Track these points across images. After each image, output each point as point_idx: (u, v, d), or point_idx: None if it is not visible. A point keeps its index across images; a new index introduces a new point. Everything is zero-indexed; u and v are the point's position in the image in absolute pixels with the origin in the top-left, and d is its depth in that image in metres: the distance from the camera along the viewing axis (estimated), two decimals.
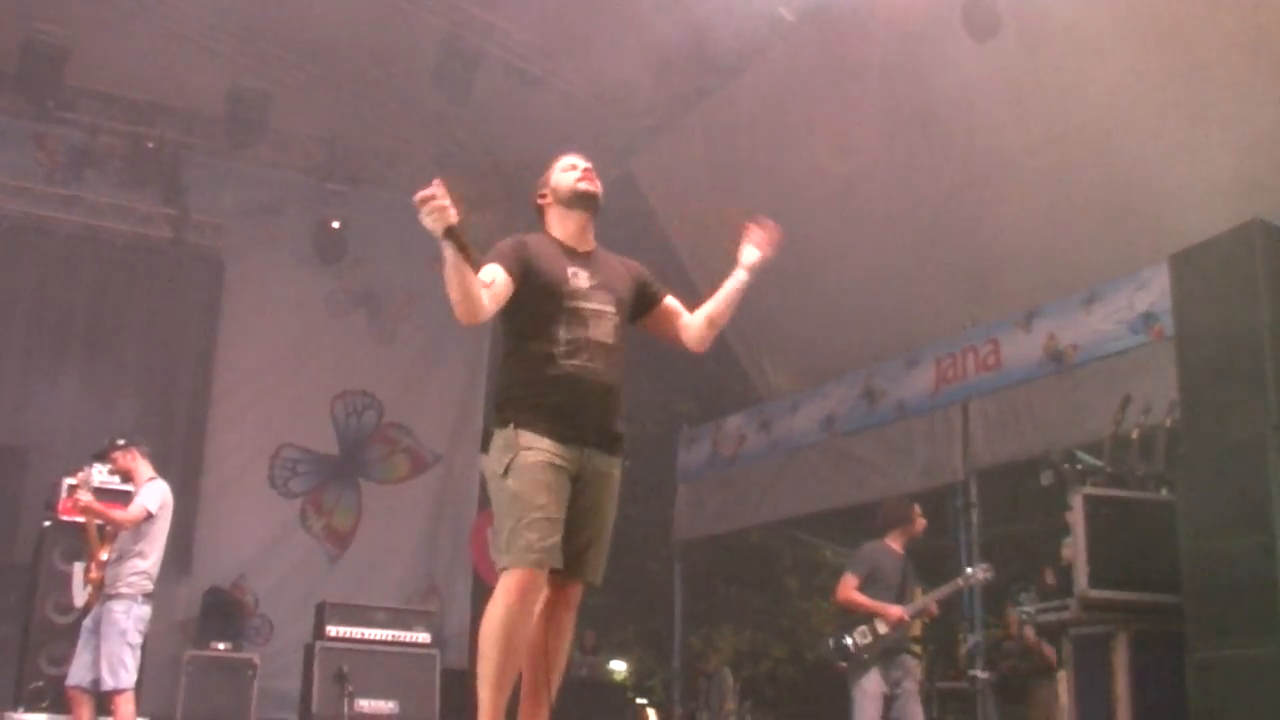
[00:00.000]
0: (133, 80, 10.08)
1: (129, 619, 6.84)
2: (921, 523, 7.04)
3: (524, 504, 3.89)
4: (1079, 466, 5.64)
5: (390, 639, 8.41)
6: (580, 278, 4.13)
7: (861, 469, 9.48)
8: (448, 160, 10.91)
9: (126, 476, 7.24)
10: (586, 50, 9.00)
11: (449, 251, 3.74)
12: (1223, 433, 5.11)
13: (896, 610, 6.68)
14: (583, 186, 4.19)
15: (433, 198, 3.66)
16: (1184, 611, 5.17)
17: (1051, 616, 5.78)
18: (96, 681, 6.76)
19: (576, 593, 4.19)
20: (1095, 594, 5.33)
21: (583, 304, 4.09)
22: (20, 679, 7.55)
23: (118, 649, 6.79)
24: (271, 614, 10.07)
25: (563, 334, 4.03)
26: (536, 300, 4.04)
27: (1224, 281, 5.24)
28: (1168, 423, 5.70)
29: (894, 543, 6.99)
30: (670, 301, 4.36)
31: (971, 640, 7.96)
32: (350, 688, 7.91)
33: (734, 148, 9.38)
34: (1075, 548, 5.40)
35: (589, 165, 4.29)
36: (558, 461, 3.94)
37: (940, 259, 8.83)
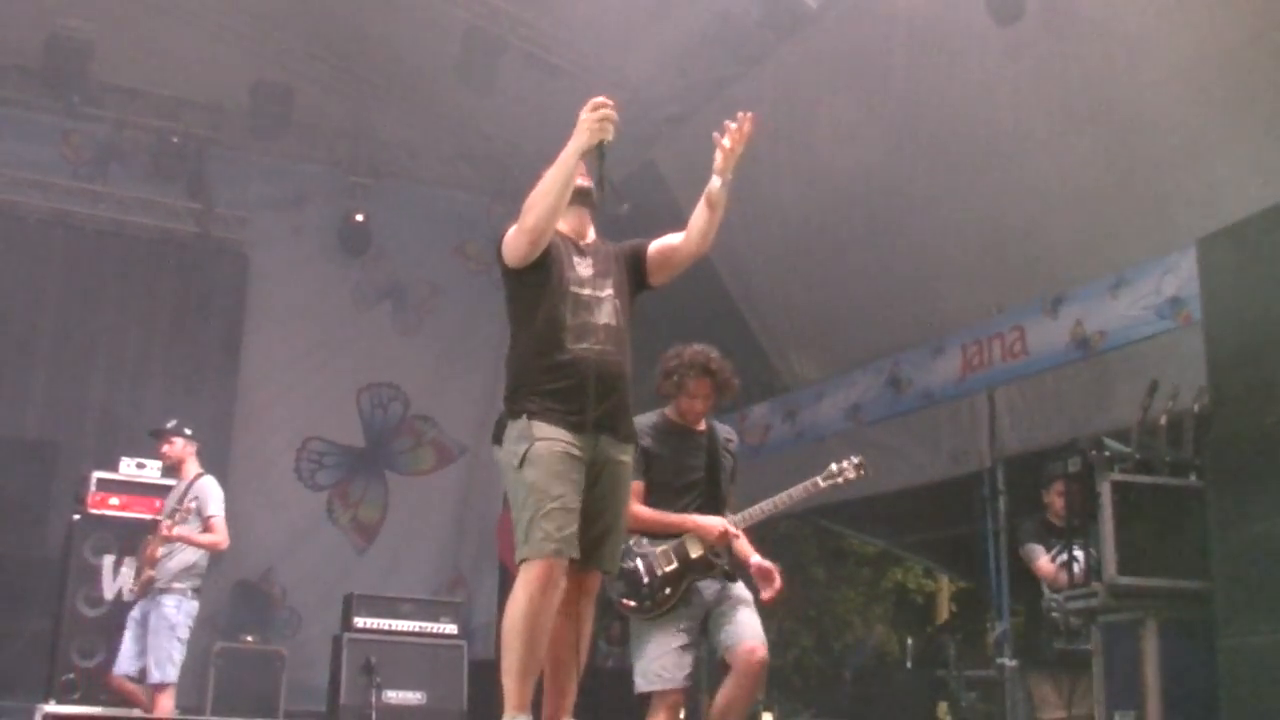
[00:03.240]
0: (157, 75, 10.13)
1: (180, 614, 6.95)
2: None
3: (541, 494, 3.91)
4: (1106, 453, 5.58)
5: (418, 630, 8.42)
6: (583, 266, 4.17)
7: (887, 457, 9.40)
8: (470, 152, 10.93)
9: (176, 465, 7.31)
10: (608, 40, 8.99)
11: (575, 161, 3.97)
12: (1251, 418, 5.06)
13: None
14: (577, 182, 4.18)
15: (606, 104, 4.02)
16: (1213, 598, 5.13)
17: (1080, 604, 5.74)
18: (143, 672, 6.83)
19: (595, 581, 4.21)
20: (1124, 581, 5.28)
21: (586, 290, 4.13)
22: (52, 671, 7.61)
23: (167, 643, 6.89)
24: (299, 606, 10.13)
25: (569, 319, 4.05)
26: (545, 288, 4.06)
27: (1252, 265, 5.19)
28: (1196, 408, 5.64)
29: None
30: (656, 243, 4.32)
31: (999, 628, 7.92)
32: (378, 679, 7.92)
33: (756, 136, 9.34)
34: (1103, 534, 5.36)
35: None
36: (572, 451, 3.96)
37: (965, 246, 8.78)
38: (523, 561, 3.93)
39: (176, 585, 7.02)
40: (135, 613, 7.08)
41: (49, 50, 9.45)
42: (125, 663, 6.98)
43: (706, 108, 9.74)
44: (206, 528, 7.10)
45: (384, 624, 8.35)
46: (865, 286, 9.65)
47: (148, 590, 7.02)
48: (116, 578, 7.90)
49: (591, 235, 4.34)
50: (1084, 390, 7.81)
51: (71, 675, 7.53)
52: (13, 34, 9.36)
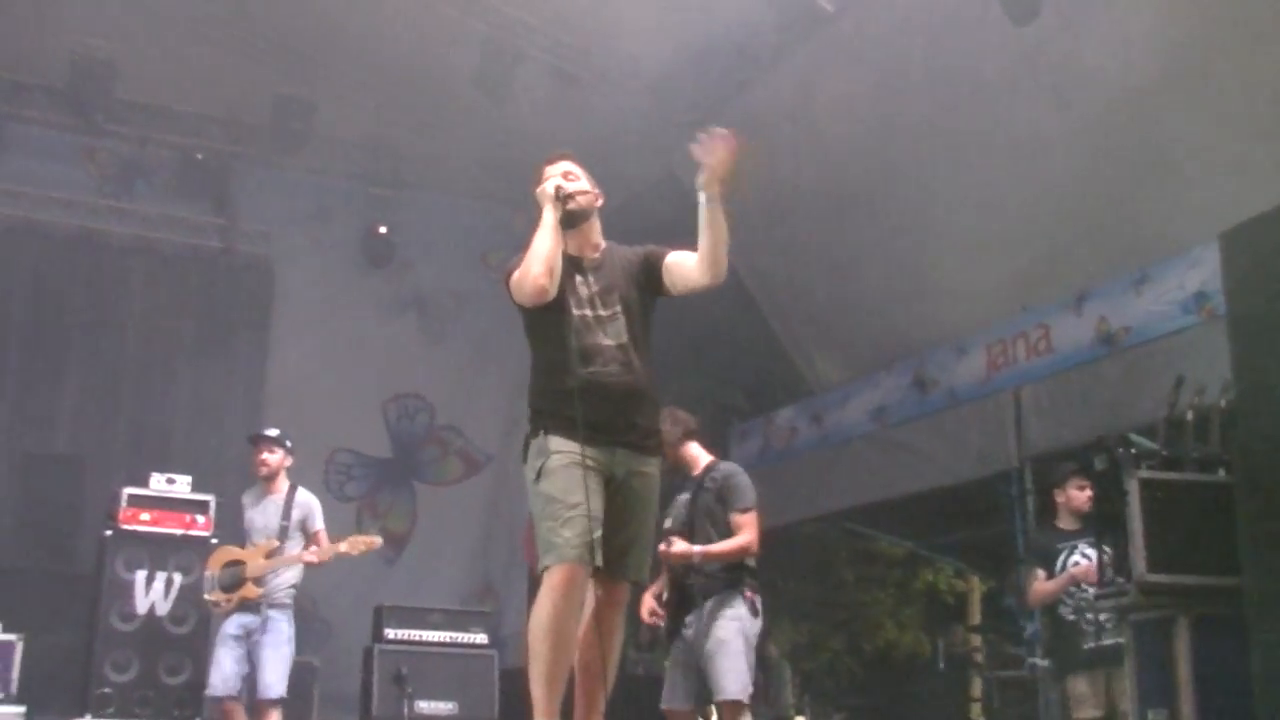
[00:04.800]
0: (180, 92, 10.19)
1: (291, 628, 6.96)
2: None
3: (558, 504, 3.95)
4: (1133, 450, 5.56)
5: (448, 640, 8.44)
6: (586, 286, 4.18)
7: (914, 459, 9.41)
8: (491, 161, 10.95)
9: (272, 475, 7.25)
10: (625, 48, 9.01)
11: (553, 226, 4.14)
12: (1278, 411, 5.03)
13: None
14: (571, 205, 4.23)
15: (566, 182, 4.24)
16: (1245, 594, 5.10)
17: (1110, 602, 5.71)
18: (256, 688, 6.81)
19: (623, 592, 4.22)
20: (1154, 578, 5.25)
21: (589, 311, 4.14)
22: (87, 686, 7.66)
23: (285, 658, 6.89)
24: (330, 617, 10.16)
25: (574, 342, 4.07)
26: (548, 314, 4.10)
27: (1275, 258, 5.15)
28: (1222, 403, 5.61)
29: None
30: (673, 256, 4.28)
31: (1030, 628, 7.89)
32: (410, 689, 7.95)
33: (774, 140, 9.34)
34: (1132, 532, 5.34)
35: (566, 172, 4.31)
36: (588, 462, 3.99)
37: (988, 244, 8.76)
38: (545, 570, 3.96)
39: (285, 600, 7.06)
40: (232, 629, 6.97)
41: (73, 69, 9.54)
42: (231, 682, 6.87)
43: (725, 112, 9.75)
44: (314, 542, 7.16)
45: (414, 634, 8.37)
46: (888, 287, 9.65)
47: (241, 606, 6.98)
48: (149, 593, 7.95)
49: (600, 247, 4.35)
50: (1110, 387, 7.79)
51: (108, 690, 7.57)
52: (37, 54, 9.45)
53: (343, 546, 7.08)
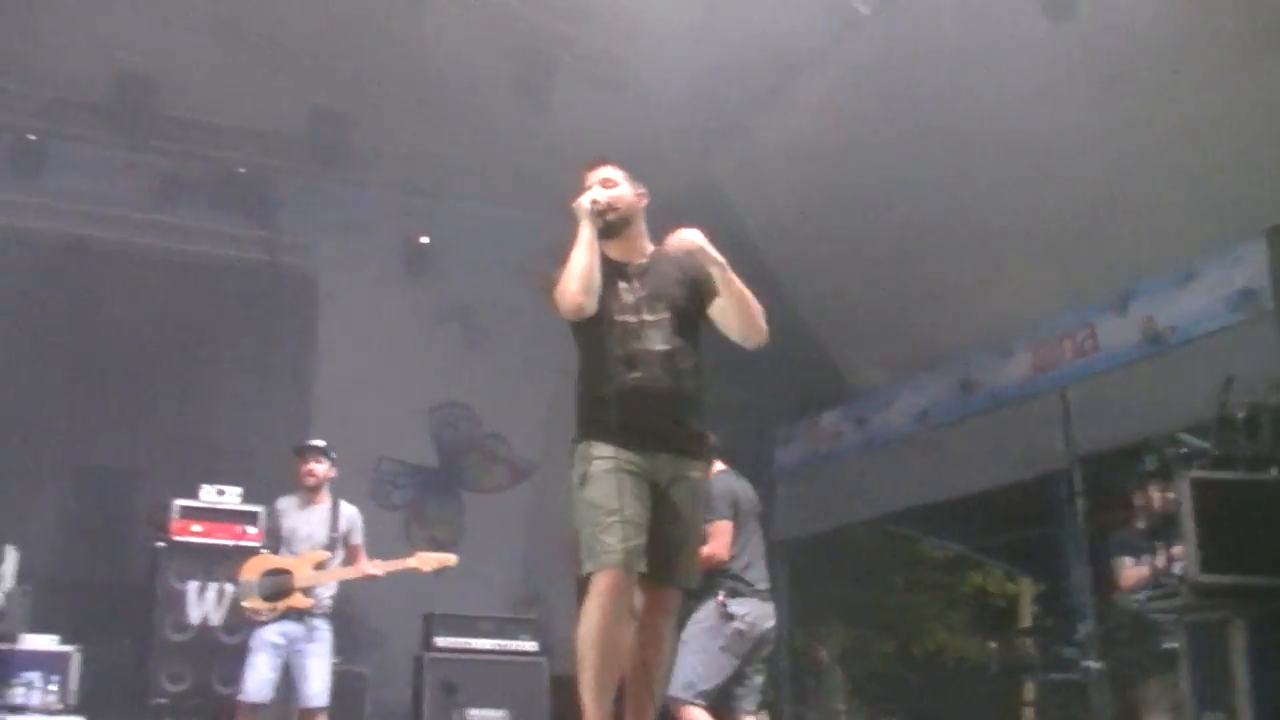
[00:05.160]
0: (219, 106, 10.27)
1: (332, 637, 7.01)
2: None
3: (601, 510, 3.97)
4: (1184, 450, 5.51)
5: (497, 648, 8.48)
6: (630, 292, 4.19)
7: (959, 462, 9.36)
8: (528, 170, 10.98)
9: (317, 487, 7.30)
10: (663, 54, 9.01)
11: (590, 241, 4.15)
12: None
13: None
14: (610, 217, 4.27)
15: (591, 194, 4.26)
16: None
17: (1163, 604, 5.66)
18: (301, 696, 6.89)
19: (671, 599, 4.23)
20: (1207, 579, 5.21)
21: (632, 318, 4.15)
22: (143, 696, 7.75)
23: (329, 667, 6.98)
24: (380, 626, 10.20)
25: (617, 350, 4.08)
26: (591, 320, 4.11)
27: None
28: (1273, 400, 5.55)
29: None
30: (720, 304, 4.29)
31: (1082, 630, 7.82)
32: (460, 698, 7.99)
33: (812, 143, 9.32)
34: (1184, 533, 5.29)
35: (605, 179, 4.33)
36: (631, 468, 4.00)
37: (1031, 244, 8.70)
38: (590, 575, 3.97)
39: (328, 610, 7.13)
40: (273, 637, 6.98)
41: (114, 85, 9.63)
42: (266, 690, 6.89)
43: (761, 116, 9.75)
44: (354, 555, 7.25)
45: (464, 643, 8.41)
46: (931, 288, 9.60)
47: (285, 615, 7.02)
48: (201, 603, 8.03)
49: (646, 251, 4.36)
50: (1157, 386, 7.72)
51: (164, 700, 7.66)
52: (77, 70, 9.55)
53: (412, 562, 7.13)
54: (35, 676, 7.33)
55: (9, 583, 7.56)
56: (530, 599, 10.88)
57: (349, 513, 7.33)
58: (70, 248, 10.24)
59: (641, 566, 3.97)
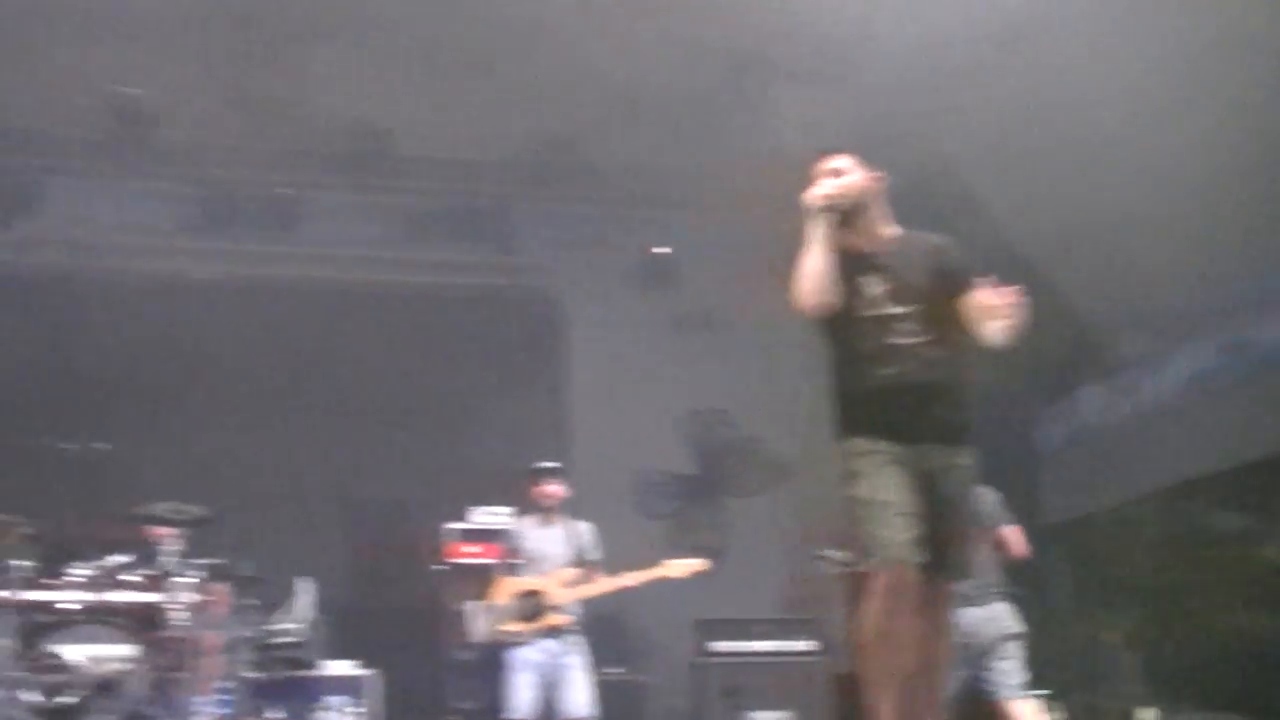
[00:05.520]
0: (452, 142, 10.63)
1: (588, 648, 7.22)
2: None
3: (873, 505, 3.92)
4: None
5: (774, 650, 8.47)
6: (875, 284, 4.10)
7: (1236, 428, 8.86)
8: (755, 173, 10.96)
9: (553, 507, 7.53)
10: (875, 44, 8.88)
11: (818, 248, 4.09)
12: None
13: None
14: (837, 203, 4.19)
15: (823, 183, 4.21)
16: None
17: None
18: (567, 709, 7.09)
19: (947, 590, 4.14)
20: None
21: (879, 311, 4.07)
22: (438, 715, 8.05)
23: (589, 677, 7.19)
24: (652, 634, 10.34)
25: (869, 346, 4.02)
26: (837, 317, 4.05)
27: None
28: None
29: None
30: (974, 310, 4.15)
31: None
32: (740, 701, 8.01)
33: (1030, 114, 9.00)
34: None
35: (835, 170, 4.26)
36: (899, 460, 3.93)
37: None
38: (868, 572, 3.93)
39: (579, 625, 7.32)
40: (533, 655, 7.18)
41: (352, 134, 10.15)
42: (535, 707, 7.10)
43: (978, 88, 9.46)
44: (593, 571, 7.41)
45: (740, 646, 8.44)
46: (1187, 250, 9.11)
47: (544, 633, 7.21)
48: (481, 622, 8.30)
49: (889, 237, 4.28)
50: None
51: (457, 717, 7.93)
52: (319, 123, 10.06)
53: (660, 570, 7.22)
54: (339, 700, 7.68)
55: (310, 613, 7.98)
56: (803, 598, 10.83)
57: (585, 529, 7.50)
58: (327, 291, 10.80)
59: (918, 557, 3.90)
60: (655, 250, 11.13)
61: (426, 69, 9.31)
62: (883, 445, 4.00)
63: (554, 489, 7.49)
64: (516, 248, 11.15)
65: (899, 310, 4.13)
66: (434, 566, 8.56)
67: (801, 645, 8.50)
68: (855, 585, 4.02)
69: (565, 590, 7.23)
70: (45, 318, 10.23)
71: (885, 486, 3.93)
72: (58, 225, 10.38)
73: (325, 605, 8.25)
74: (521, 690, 7.09)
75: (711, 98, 9.64)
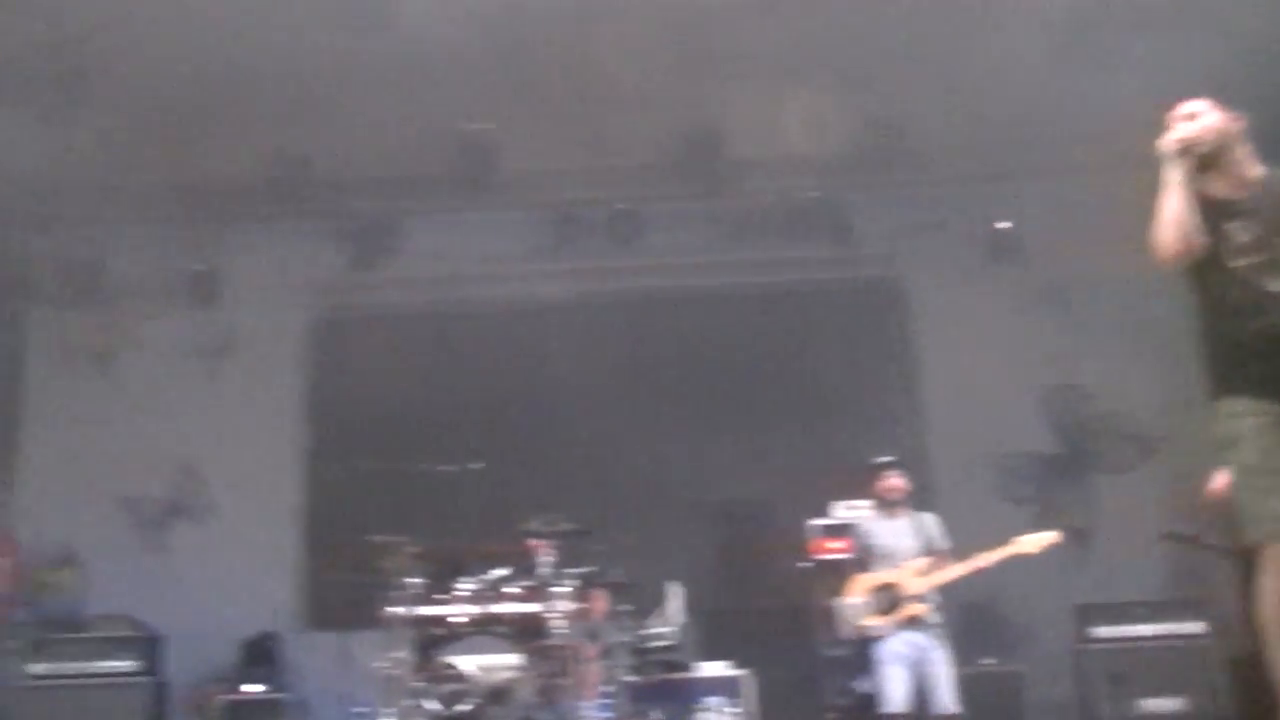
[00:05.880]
0: (778, 141, 10.64)
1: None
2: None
3: (1259, 472, 3.67)
4: None
5: (1160, 633, 8.05)
6: (1241, 232, 3.82)
7: None
8: (1096, 133, 10.41)
9: (898, 500, 7.58)
10: None
11: (1175, 189, 3.89)
12: None
13: None
14: (1171, 149, 3.92)
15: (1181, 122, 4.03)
16: None
17: None
18: (937, 704, 7.08)
19: None
20: None
21: (1249, 259, 3.79)
22: (815, 712, 8.09)
23: (951, 671, 7.15)
24: (1029, 622, 10.01)
25: (1239, 296, 3.74)
26: (1204, 268, 3.79)
27: None
28: None
29: None
30: None
31: None
32: (1128, 689, 7.65)
33: None
34: None
35: (1190, 114, 3.97)
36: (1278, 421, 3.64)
37: None
38: (1257, 544, 3.67)
39: (939, 616, 7.29)
40: (903, 649, 7.21)
41: (689, 142, 10.42)
42: (909, 699, 7.13)
43: None
44: (941, 560, 7.37)
45: (1122, 631, 8.08)
46: None
47: (905, 624, 7.21)
48: (849, 617, 8.27)
49: (1253, 182, 3.97)
50: None
51: (834, 715, 7.95)
52: (650, 137, 10.35)
53: (1013, 548, 7.05)
54: (717, 701, 7.85)
55: (681, 617, 8.20)
56: (1185, 576, 10.20)
57: (931, 520, 7.46)
58: (671, 300, 11.09)
59: None
60: (998, 225, 10.74)
61: (756, 72, 9.44)
62: (1263, 405, 3.71)
63: (896, 482, 7.54)
64: (855, 239, 11.06)
65: (1270, 258, 3.83)
66: (799, 564, 8.59)
67: (1189, 628, 8.02)
68: (1247, 561, 3.73)
69: (919, 580, 7.14)
70: (414, 350, 11.01)
71: (1270, 454, 3.64)
72: (418, 262, 11.09)
73: (693, 607, 8.44)
74: (894, 684, 7.12)
75: (1040, 61, 9.25)
